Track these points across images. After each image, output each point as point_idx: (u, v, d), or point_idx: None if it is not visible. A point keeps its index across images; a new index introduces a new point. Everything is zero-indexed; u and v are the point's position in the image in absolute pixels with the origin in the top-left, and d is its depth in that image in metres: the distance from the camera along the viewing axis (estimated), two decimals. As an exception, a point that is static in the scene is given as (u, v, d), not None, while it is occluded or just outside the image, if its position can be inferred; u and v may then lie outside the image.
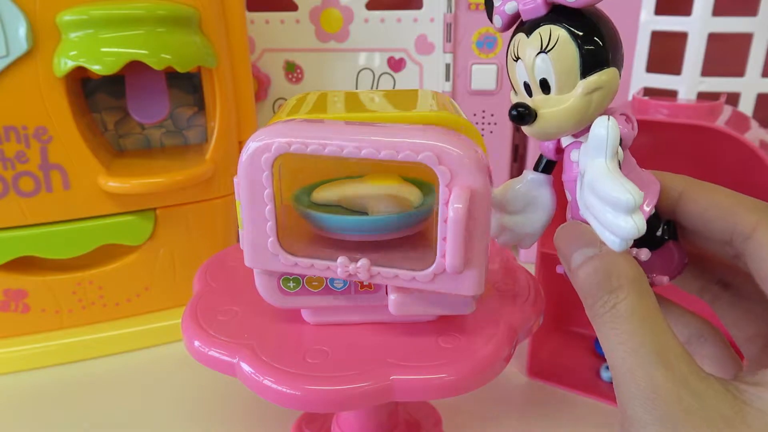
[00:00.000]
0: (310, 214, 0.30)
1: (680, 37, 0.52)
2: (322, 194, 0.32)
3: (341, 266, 0.26)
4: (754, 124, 0.45)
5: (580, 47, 0.19)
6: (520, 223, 0.26)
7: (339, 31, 0.64)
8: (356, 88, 0.66)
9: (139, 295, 0.50)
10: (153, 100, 0.49)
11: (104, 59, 0.41)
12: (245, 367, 0.26)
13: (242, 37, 0.50)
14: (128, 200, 0.47)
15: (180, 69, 0.43)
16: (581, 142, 0.22)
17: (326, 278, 0.28)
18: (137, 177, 0.45)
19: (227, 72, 0.48)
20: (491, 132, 0.64)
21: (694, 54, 0.51)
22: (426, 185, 0.34)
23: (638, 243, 0.21)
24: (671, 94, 0.54)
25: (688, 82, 0.52)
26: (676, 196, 0.22)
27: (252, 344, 0.27)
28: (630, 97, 0.53)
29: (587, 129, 0.20)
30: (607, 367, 0.48)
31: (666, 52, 0.54)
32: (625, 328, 0.18)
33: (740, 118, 0.44)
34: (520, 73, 0.21)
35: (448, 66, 0.62)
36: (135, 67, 0.42)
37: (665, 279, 0.22)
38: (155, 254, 0.50)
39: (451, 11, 0.60)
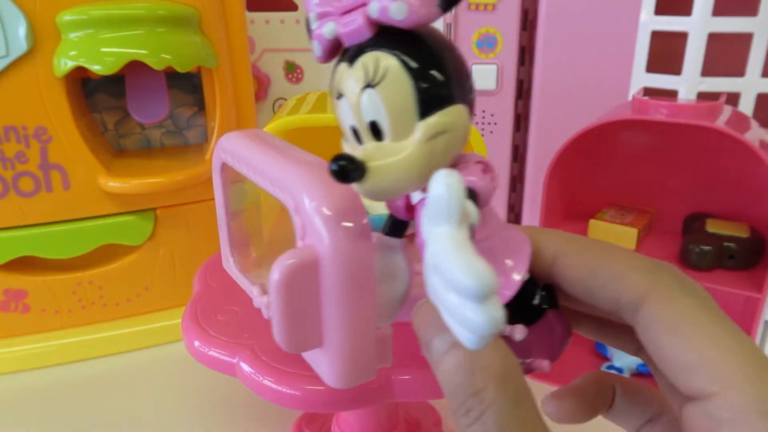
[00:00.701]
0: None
1: (680, 37, 0.52)
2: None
3: (257, 297, 0.24)
4: (754, 124, 0.45)
5: (415, 80, 0.15)
6: (390, 294, 0.20)
7: (339, 31, 0.64)
8: (356, 88, 0.66)
9: (139, 295, 0.50)
10: (153, 100, 0.49)
11: (104, 59, 0.41)
12: (245, 367, 0.26)
13: (242, 37, 0.50)
14: (128, 200, 0.47)
15: (180, 69, 0.43)
16: None
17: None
18: (137, 177, 0.45)
19: (227, 72, 0.48)
20: (491, 132, 0.64)
21: (694, 54, 0.51)
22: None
23: (512, 316, 0.17)
24: (671, 94, 0.54)
25: (688, 82, 0.52)
26: (550, 260, 0.18)
27: (252, 344, 0.27)
28: (630, 97, 0.54)
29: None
30: (608, 367, 0.48)
31: (666, 52, 0.54)
32: None
33: (740, 118, 0.44)
34: (344, 115, 0.17)
35: (448, 66, 0.62)
36: (135, 67, 0.42)
37: (545, 364, 0.18)
38: (155, 254, 0.50)
39: (451, 11, 0.60)
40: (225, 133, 0.23)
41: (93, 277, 0.48)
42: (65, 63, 0.41)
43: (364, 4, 0.15)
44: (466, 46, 0.61)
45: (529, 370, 0.18)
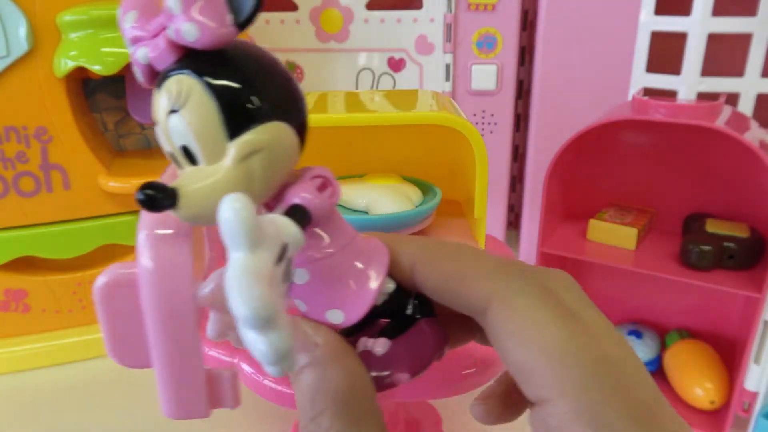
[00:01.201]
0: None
1: (680, 37, 0.52)
2: (323, 194, 0.32)
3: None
4: (753, 124, 0.45)
5: (219, 100, 0.14)
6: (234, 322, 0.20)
7: (339, 31, 0.64)
8: (356, 88, 0.66)
9: (140, 295, 0.50)
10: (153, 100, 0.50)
11: (104, 59, 0.41)
12: (245, 367, 0.26)
13: (242, 37, 0.50)
14: (128, 200, 0.47)
15: (180, 69, 0.43)
16: None
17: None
18: (137, 177, 0.45)
19: (227, 72, 0.48)
20: (491, 132, 0.64)
21: (693, 54, 0.51)
22: (426, 184, 0.34)
23: (389, 326, 0.18)
24: (671, 94, 0.54)
25: (688, 82, 0.52)
26: (408, 268, 0.18)
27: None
28: (630, 97, 0.54)
29: (278, 198, 0.16)
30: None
31: (666, 52, 0.54)
32: None
33: (740, 118, 0.44)
34: (162, 141, 0.16)
35: (448, 66, 0.62)
36: (135, 67, 0.42)
37: (404, 377, 0.17)
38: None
39: (451, 11, 0.60)
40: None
41: (93, 277, 0.48)
42: (65, 63, 0.41)
43: (163, 29, 0.15)
44: (466, 46, 0.61)
45: (389, 384, 0.17)
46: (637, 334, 0.50)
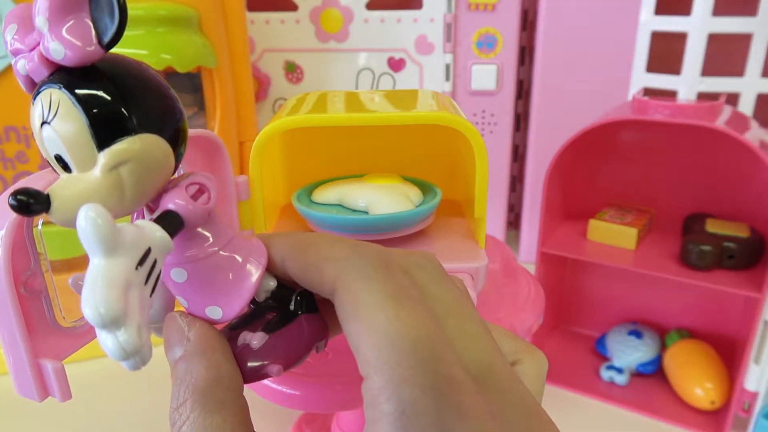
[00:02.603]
0: (309, 214, 0.30)
1: (680, 37, 0.52)
2: (323, 194, 0.32)
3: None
4: (754, 124, 0.45)
5: (86, 113, 0.15)
6: None
7: (339, 31, 0.64)
8: (356, 88, 0.66)
9: (139, 295, 0.50)
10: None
11: (104, 59, 0.41)
12: (245, 366, 0.26)
13: (242, 37, 0.50)
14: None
15: (180, 69, 0.43)
16: None
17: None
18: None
19: (227, 72, 0.48)
20: (491, 132, 0.64)
21: (693, 54, 0.51)
22: (426, 185, 0.34)
23: (270, 321, 0.19)
24: (671, 94, 0.54)
25: (688, 82, 0.52)
26: (279, 262, 0.19)
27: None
28: (630, 97, 0.54)
29: (156, 205, 0.17)
30: (608, 367, 0.48)
31: (666, 52, 0.54)
32: None
33: (740, 118, 0.44)
34: (41, 149, 0.17)
35: (448, 66, 0.62)
36: (135, 67, 0.42)
37: (275, 369, 0.18)
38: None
39: (451, 11, 0.60)
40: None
41: (93, 277, 0.48)
42: (65, 63, 0.41)
43: (38, 44, 0.16)
44: (466, 46, 0.61)
45: (263, 375, 0.18)
46: (637, 334, 0.50)
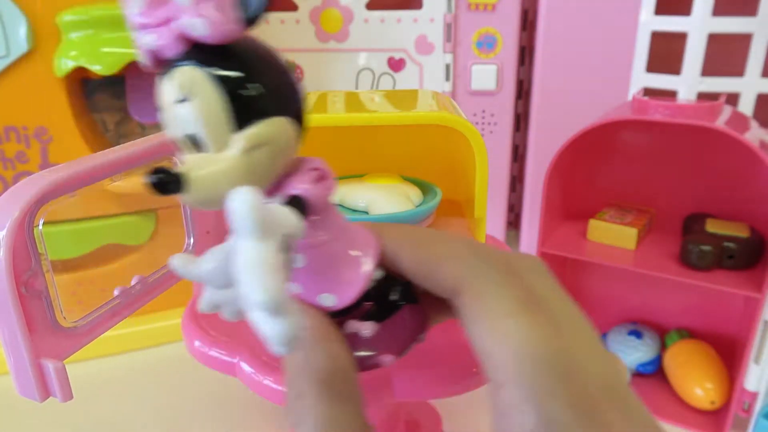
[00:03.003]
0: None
1: (680, 37, 0.52)
2: (323, 194, 0.32)
3: None
4: (754, 124, 0.45)
5: (227, 94, 0.15)
6: (233, 298, 0.20)
7: (339, 31, 0.64)
8: (356, 88, 0.66)
9: (140, 295, 0.50)
10: (153, 101, 0.49)
11: (104, 59, 0.41)
12: (245, 367, 0.26)
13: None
14: (130, 200, 0.47)
15: (180, 69, 0.43)
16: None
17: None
18: (138, 177, 0.45)
19: (227, 72, 0.48)
20: (491, 132, 0.64)
21: (693, 54, 0.51)
22: (426, 184, 0.34)
23: (375, 310, 0.19)
24: (671, 94, 0.54)
25: (688, 82, 0.52)
26: (391, 254, 0.18)
27: (252, 344, 0.27)
28: (630, 97, 0.54)
29: (277, 188, 0.17)
30: (607, 367, 0.48)
31: (666, 52, 0.54)
32: None
33: (740, 118, 0.44)
34: (167, 128, 0.17)
35: (448, 66, 0.62)
36: (135, 67, 0.42)
37: (388, 359, 0.18)
38: (156, 254, 0.50)
39: (451, 11, 0.60)
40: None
41: (94, 277, 0.48)
42: (65, 63, 0.41)
43: (170, 20, 0.15)
44: (466, 46, 0.61)
45: (374, 364, 0.18)
46: (637, 334, 0.50)
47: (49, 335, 0.22)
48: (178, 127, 0.16)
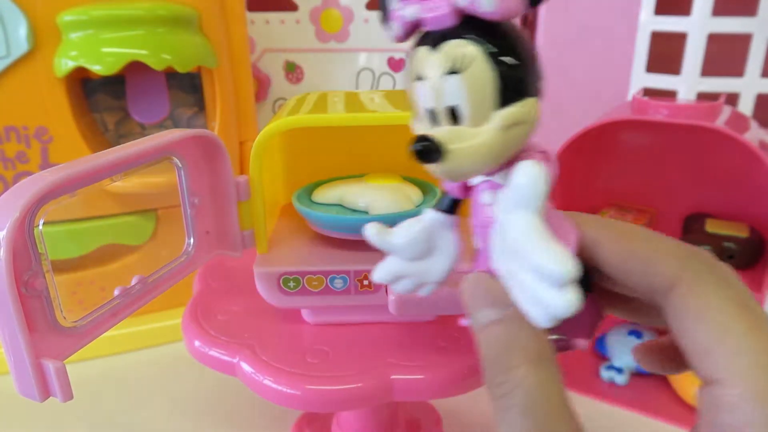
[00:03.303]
0: (310, 214, 0.30)
1: (680, 37, 0.52)
2: (323, 194, 0.32)
3: None
4: (753, 124, 0.45)
5: (498, 71, 0.16)
6: (418, 271, 0.21)
7: (339, 31, 0.64)
8: (356, 88, 0.66)
9: (140, 295, 0.50)
10: (153, 100, 0.50)
11: (104, 59, 0.41)
12: (245, 367, 0.26)
13: (242, 37, 0.50)
14: (129, 200, 0.47)
15: (180, 69, 0.43)
16: (494, 182, 0.18)
17: (326, 278, 0.28)
18: (137, 177, 0.45)
19: (227, 72, 0.48)
20: (491, 132, 0.64)
21: (693, 54, 0.51)
22: (426, 184, 0.34)
23: None
24: (671, 94, 0.54)
25: (688, 82, 0.52)
26: (590, 245, 0.19)
27: (252, 344, 0.27)
28: (630, 98, 0.54)
29: (502, 167, 0.17)
30: (608, 367, 0.48)
31: (666, 52, 0.54)
32: (519, 424, 0.16)
33: (740, 118, 0.44)
34: (422, 96, 0.17)
35: (448, 66, 0.62)
36: (135, 67, 0.42)
37: (583, 343, 0.19)
38: (156, 254, 0.50)
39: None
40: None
41: (94, 277, 0.48)
42: (66, 63, 0.41)
43: None
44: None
45: (567, 347, 0.19)
46: (637, 334, 0.50)
47: (49, 335, 0.22)
48: (438, 98, 0.17)
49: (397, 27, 0.17)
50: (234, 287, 0.33)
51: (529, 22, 0.64)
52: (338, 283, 0.28)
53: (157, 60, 0.42)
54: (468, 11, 0.16)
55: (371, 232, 0.20)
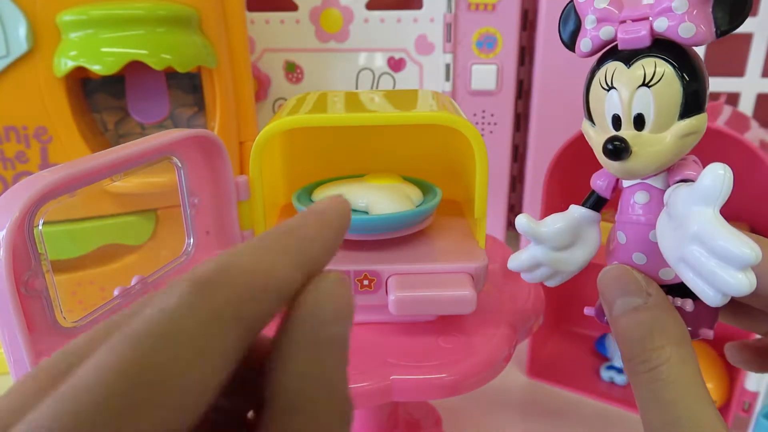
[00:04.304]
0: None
1: (680, 37, 0.52)
2: (323, 194, 0.32)
3: None
4: (754, 124, 0.45)
5: (684, 87, 0.18)
6: (558, 260, 0.24)
7: (339, 31, 0.64)
8: (356, 88, 0.66)
9: (140, 295, 0.50)
10: (153, 100, 0.50)
11: (104, 59, 0.41)
12: (245, 366, 0.26)
13: (242, 37, 0.50)
14: (129, 200, 0.47)
15: (180, 69, 0.43)
16: (648, 184, 0.21)
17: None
18: (137, 177, 0.45)
19: (227, 72, 0.48)
20: (491, 132, 0.64)
21: (694, 54, 0.51)
22: (426, 185, 0.34)
23: (683, 292, 0.20)
24: (671, 94, 0.54)
25: (688, 82, 0.52)
26: None
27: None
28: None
29: (668, 170, 0.20)
30: (608, 367, 0.48)
31: (666, 52, 0.54)
32: (664, 396, 0.18)
33: (740, 118, 0.44)
34: (610, 104, 0.20)
35: (448, 66, 0.62)
36: (135, 67, 0.42)
37: (710, 333, 0.21)
38: (156, 254, 0.50)
39: (451, 11, 0.60)
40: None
41: (94, 277, 0.48)
42: (65, 63, 0.41)
43: (646, 18, 0.19)
44: (466, 46, 0.61)
45: (695, 336, 0.21)
46: (637, 334, 0.50)
47: (49, 335, 0.22)
48: (628, 106, 0.19)
49: (586, 43, 0.21)
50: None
51: (530, 22, 0.64)
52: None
53: (157, 60, 0.42)
54: (665, 36, 0.19)
55: (522, 222, 0.23)
